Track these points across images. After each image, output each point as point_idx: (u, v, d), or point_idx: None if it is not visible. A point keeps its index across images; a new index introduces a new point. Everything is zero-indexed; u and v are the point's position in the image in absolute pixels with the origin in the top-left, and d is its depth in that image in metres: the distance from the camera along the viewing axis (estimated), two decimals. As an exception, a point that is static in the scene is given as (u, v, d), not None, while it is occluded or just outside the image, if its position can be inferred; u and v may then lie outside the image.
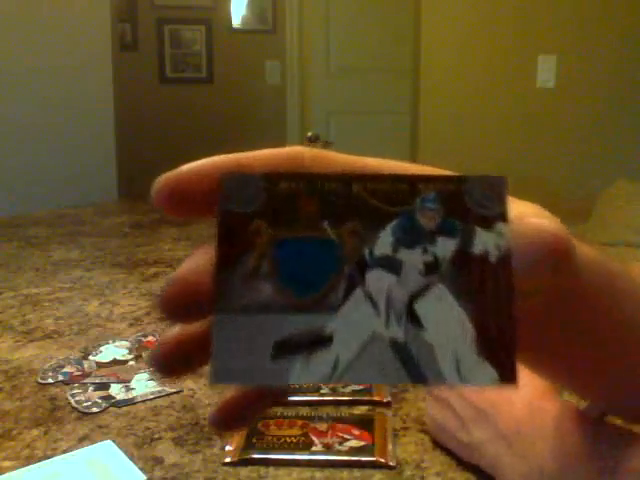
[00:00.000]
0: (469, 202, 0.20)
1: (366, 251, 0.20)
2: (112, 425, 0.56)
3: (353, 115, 3.25)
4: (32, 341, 0.75)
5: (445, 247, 0.20)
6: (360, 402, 0.58)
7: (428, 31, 2.72)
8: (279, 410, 0.57)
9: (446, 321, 0.20)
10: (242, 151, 0.22)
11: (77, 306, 0.87)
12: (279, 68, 3.59)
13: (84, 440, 0.54)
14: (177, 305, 0.20)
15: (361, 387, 0.60)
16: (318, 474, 0.48)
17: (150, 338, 0.75)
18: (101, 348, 0.72)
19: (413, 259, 0.20)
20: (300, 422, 0.54)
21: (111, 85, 2.38)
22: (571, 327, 0.27)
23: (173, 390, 0.62)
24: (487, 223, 0.20)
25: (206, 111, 3.62)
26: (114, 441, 0.53)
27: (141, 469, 0.49)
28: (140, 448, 0.52)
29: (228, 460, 0.50)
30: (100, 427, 0.56)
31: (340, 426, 0.54)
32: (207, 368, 0.19)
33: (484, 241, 0.20)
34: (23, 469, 0.49)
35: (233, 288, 0.20)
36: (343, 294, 0.20)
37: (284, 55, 3.51)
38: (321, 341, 0.20)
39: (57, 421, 0.57)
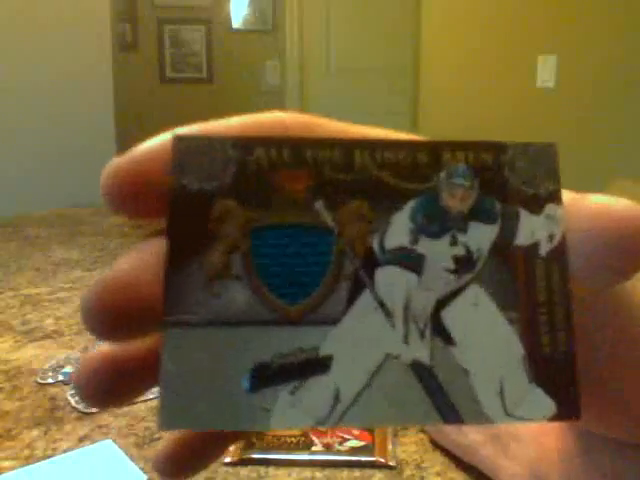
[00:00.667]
0: (510, 177, 0.16)
1: (375, 242, 0.15)
2: (112, 425, 0.56)
3: (353, 115, 3.25)
4: (32, 341, 0.75)
5: (481, 236, 0.15)
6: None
7: (428, 31, 2.72)
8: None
9: (485, 336, 0.15)
10: None
11: (77, 306, 0.87)
12: (279, 68, 3.59)
13: (84, 440, 0.54)
14: (111, 317, 0.14)
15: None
16: (318, 474, 0.48)
17: (150, 338, 0.75)
18: (101, 348, 0.72)
19: (439, 252, 0.15)
20: (300, 422, 0.54)
21: (111, 85, 2.38)
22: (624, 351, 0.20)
23: (173, 390, 0.62)
24: (534, 204, 0.15)
25: (206, 111, 3.61)
26: (114, 441, 0.53)
27: (141, 469, 0.49)
28: (140, 448, 0.52)
29: (228, 460, 0.50)
30: (100, 427, 0.56)
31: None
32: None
33: (532, 228, 0.15)
34: (23, 469, 0.49)
35: (191, 294, 0.14)
36: (345, 301, 0.15)
37: (284, 55, 3.51)
38: (315, 366, 0.14)
39: (57, 421, 0.57)
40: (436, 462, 0.49)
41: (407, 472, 0.48)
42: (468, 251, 0.15)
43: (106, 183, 0.15)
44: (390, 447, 0.51)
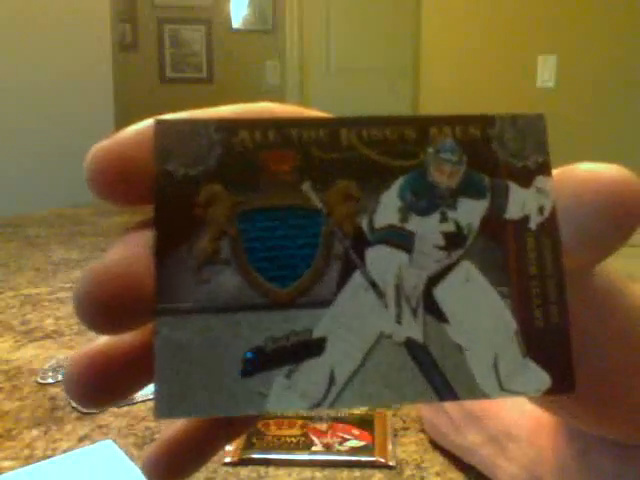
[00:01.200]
0: (499, 150, 0.15)
1: (364, 221, 0.15)
2: (112, 425, 0.56)
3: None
4: (32, 341, 0.75)
5: (470, 212, 0.15)
6: (360, 402, 0.59)
7: (428, 31, 2.72)
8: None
9: (478, 312, 0.15)
10: None
11: (77, 306, 0.87)
12: (279, 68, 3.59)
13: (84, 440, 0.54)
14: (104, 309, 0.14)
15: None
16: (318, 474, 0.48)
17: (150, 338, 0.75)
18: (101, 348, 0.72)
19: (429, 230, 0.15)
20: (300, 422, 0.54)
21: (111, 85, 2.38)
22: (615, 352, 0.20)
23: (173, 390, 0.62)
24: (524, 177, 0.15)
25: (206, 111, 3.62)
26: (114, 441, 0.53)
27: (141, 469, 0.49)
28: (140, 448, 0.52)
29: (228, 460, 0.50)
30: (100, 427, 0.56)
31: (340, 426, 0.54)
32: None
33: (521, 201, 0.15)
34: (23, 469, 0.49)
35: (181, 281, 0.14)
36: (336, 281, 0.15)
37: (284, 55, 3.51)
38: (309, 348, 0.14)
39: (57, 421, 0.57)
40: (436, 462, 0.49)
41: (407, 472, 0.48)
42: (458, 227, 0.15)
43: (89, 169, 0.15)
44: (390, 447, 0.51)
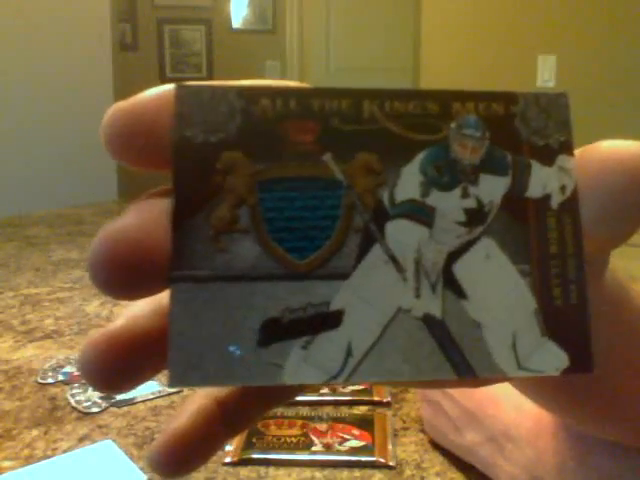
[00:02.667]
0: (521, 128, 0.15)
1: (385, 195, 0.15)
2: (112, 425, 0.56)
3: (353, 115, 3.25)
4: (32, 341, 0.75)
5: (492, 188, 0.15)
6: (360, 402, 0.58)
7: (428, 31, 2.72)
8: (279, 410, 0.57)
9: (497, 289, 0.15)
10: None
11: (77, 306, 0.87)
12: (279, 68, 3.59)
13: (84, 440, 0.54)
14: (119, 273, 0.14)
15: (361, 387, 0.60)
16: (318, 474, 0.48)
17: (150, 338, 0.75)
18: (101, 348, 0.72)
19: (450, 205, 0.15)
20: (300, 422, 0.54)
21: (111, 85, 2.38)
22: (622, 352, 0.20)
23: (173, 390, 0.62)
24: (546, 156, 0.15)
25: (206, 111, 3.62)
26: (114, 441, 0.53)
27: (141, 469, 0.49)
28: (140, 448, 0.52)
29: (228, 460, 0.50)
30: (100, 427, 0.56)
31: (340, 426, 0.54)
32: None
33: (543, 180, 0.15)
34: (23, 469, 0.49)
35: (198, 248, 0.14)
36: (355, 254, 0.14)
37: (284, 55, 3.51)
38: (326, 320, 0.14)
39: (57, 421, 0.57)
40: (436, 462, 0.49)
41: (407, 472, 0.48)
42: (479, 203, 0.15)
43: (106, 129, 0.14)
44: (390, 447, 0.51)
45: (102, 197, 2.08)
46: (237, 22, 3.66)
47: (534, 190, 0.15)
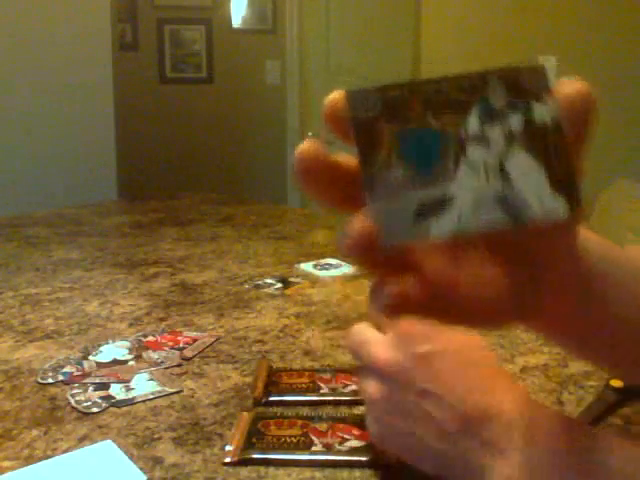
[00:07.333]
0: (525, 85, 0.26)
1: (462, 132, 0.26)
2: (112, 425, 0.56)
3: (353, 115, 3.24)
4: (32, 341, 0.75)
5: (515, 121, 0.26)
6: (360, 402, 0.58)
7: (428, 31, 2.72)
8: (279, 410, 0.57)
9: (527, 172, 0.26)
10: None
11: (77, 306, 0.87)
12: (279, 68, 3.59)
13: (84, 440, 0.54)
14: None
15: (361, 387, 0.60)
16: (318, 474, 0.48)
17: (150, 338, 0.75)
18: (101, 348, 0.72)
19: (495, 133, 0.26)
20: (300, 422, 0.54)
21: (111, 85, 2.38)
22: (585, 302, 0.33)
23: (173, 390, 0.62)
24: (540, 98, 0.26)
25: (206, 111, 3.62)
26: (114, 441, 0.53)
27: (141, 469, 0.49)
28: (140, 448, 0.52)
29: (228, 460, 0.50)
30: (100, 427, 0.56)
31: (340, 426, 0.54)
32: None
33: (541, 112, 0.26)
34: (23, 469, 0.49)
35: (378, 177, 0.25)
36: (454, 166, 0.26)
37: (284, 55, 3.51)
38: (447, 202, 0.25)
39: (57, 421, 0.57)
40: (436, 462, 0.49)
41: (407, 472, 0.48)
42: (510, 130, 0.26)
43: (324, 117, 0.27)
44: (390, 447, 0.51)
45: (102, 197, 2.08)
46: (237, 22, 3.66)
47: (537, 118, 0.26)
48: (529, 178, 0.26)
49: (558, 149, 0.26)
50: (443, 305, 0.30)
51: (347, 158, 0.27)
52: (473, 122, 0.26)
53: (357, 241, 0.26)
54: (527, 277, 0.31)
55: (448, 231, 0.25)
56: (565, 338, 0.37)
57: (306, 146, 0.27)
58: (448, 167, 0.26)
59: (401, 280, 0.28)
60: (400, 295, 0.28)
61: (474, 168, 0.26)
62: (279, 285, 0.95)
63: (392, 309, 0.29)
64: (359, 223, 0.26)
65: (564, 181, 0.26)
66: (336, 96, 0.27)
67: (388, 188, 0.25)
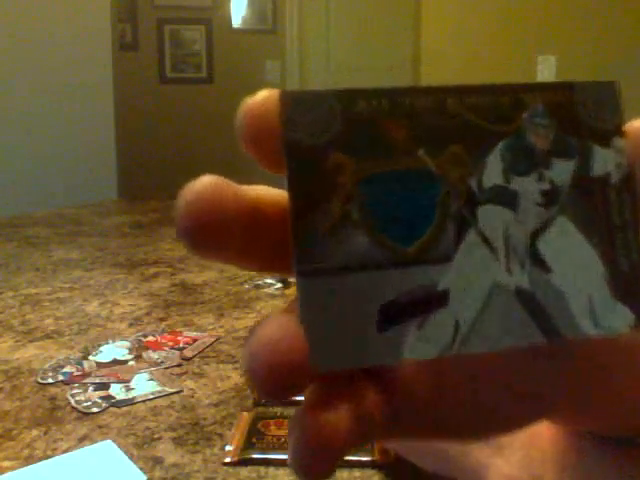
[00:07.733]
0: (582, 114, 0.17)
1: (473, 182, 0.16)
2: (112, 425, 0.56)
3: (353, 115, 3.25)
4: (32, 341, 0.75)
5: (562, 171, 0.17)
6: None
7: (428, 31, 2.72)
8: (279, 410, 0.57)
9: (574, 260, 0.17)
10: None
11: (77, 306, 0.87)
12: (279, 68, 3.59)
13: (84, 440, 0.54)
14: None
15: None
16: (318, 474, 0.48)
17: (150, 338, 0.75)
18: (101, 348, 0.72)
19: (529, 188, 0.16)
20: (300, 422, 0.54)
21: (111, 85, 2.38)
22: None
23: (173, 390, 0.62)
24: (603, 138, 0.17)
25: (206, 111, 3.62)
26: (114, 441, 0.53)
27: (141, 469, 0.49)
28: (140, 448, 0.52)
29: (228, 460, 0.50)
30: (100, 427, 0.56)
31: (340, 426, 0.54)
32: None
33: (604, 160, 0.17)
34: (23, 469, 0.49)
35: (318, 244, 0.15)
36: (454, 238, 0.16)
37: (284, 55, 3.51)
38: (435, 300, 0.16)
39: (57, 421, 0.57)
40: (436, 462, 0.49)
41: (407, 472, 0.48)
42: (553, 185, 0.17)
43: (239, 130, 0.16)
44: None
45: (102, 197, 2.08)
46: (237, 22, 3.66)
47: (596, 170, 0.17)
48: (576, 268, 0.17)
49: (624, 224, 0.17)
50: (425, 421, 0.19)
51: (276, 194, 0.16)
52: (494, 167, 0.16)
53: (274, 372, 0.14)
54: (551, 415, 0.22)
55: (436, 349, 0.15)
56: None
57: (204, 187, 0.14)
58: (443, 239, 0.16)
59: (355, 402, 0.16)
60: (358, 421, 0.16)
61: (488, 245, 0.16)
62: (279, 285, 0.95)
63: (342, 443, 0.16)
64: (272, 334, 0.14)
65: (630, 275, 0.17)
66: (265, 100, 0.15)
67: (334, 268, 0.15)
